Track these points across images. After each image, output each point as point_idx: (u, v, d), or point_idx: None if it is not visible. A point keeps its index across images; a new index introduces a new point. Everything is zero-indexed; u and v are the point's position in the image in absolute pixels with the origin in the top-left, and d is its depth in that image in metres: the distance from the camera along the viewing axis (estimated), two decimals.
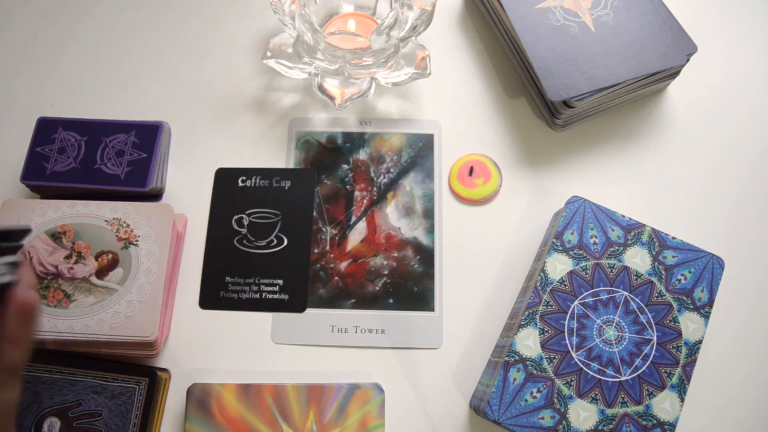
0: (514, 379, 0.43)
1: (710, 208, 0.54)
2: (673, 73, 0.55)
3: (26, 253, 0.47)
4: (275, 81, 0.58)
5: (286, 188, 0.54)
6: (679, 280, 0.46)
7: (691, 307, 0.45)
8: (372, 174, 0.55)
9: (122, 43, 0.60)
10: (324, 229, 0.53)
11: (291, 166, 0.55)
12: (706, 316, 0.45)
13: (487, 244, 0.53)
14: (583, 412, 0.43)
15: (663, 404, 0.43)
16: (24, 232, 0.33)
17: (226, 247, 0.52)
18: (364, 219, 0.53)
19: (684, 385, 0.44)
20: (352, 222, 0.53)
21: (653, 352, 0.44)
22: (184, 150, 0.56)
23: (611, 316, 0.45)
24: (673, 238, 0.47)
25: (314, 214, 0.53)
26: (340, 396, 0.46)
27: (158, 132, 0.52)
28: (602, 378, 0.44)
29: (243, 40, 0.60)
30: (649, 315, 0.45)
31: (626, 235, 0.47)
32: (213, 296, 0.51)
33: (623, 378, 0.44)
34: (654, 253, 0.47)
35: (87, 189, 0.51)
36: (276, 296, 0.51)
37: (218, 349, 0.49)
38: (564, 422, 0.42)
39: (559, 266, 0.46)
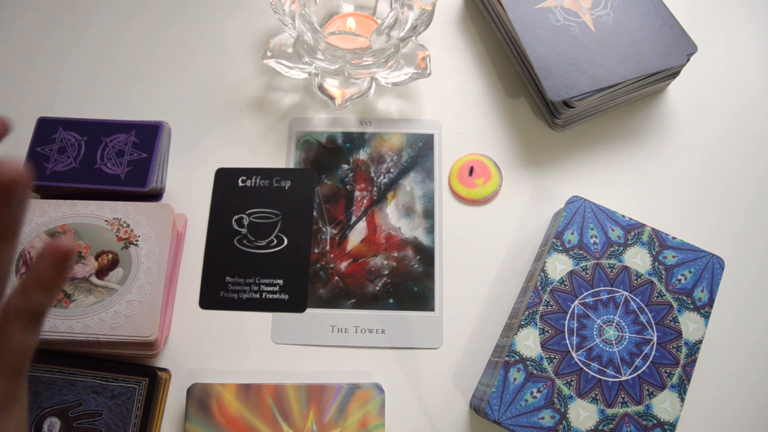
0: (514, 379, 0.43)
1: (710, 208, 0.54)
2: (673, 73, 0.55)
3: (26, 253, 0.47)
4: (275, 81, 0.58)
5: (286, 188, 0.54)
6: (679, 280, 0.46)
7: (691, 307, 0.45)
8: (372, 174, 0.55)
9: (122, 44, 0.60)
10: (324, 229, 0.53)
11: (291, 166, 0.55)
12: (706, 316, 0.45)
13: (487, 244, 0.53)
14: (583, 412, 0.43)
15: (663, 404, 0.43)
16: None
17: (226, 247, 0.52)
18: (364, 219, 0.53)
19: (684, 385, 0.44)
20: (352, 222, 0.53)
21: (653, 352, 0.44)
22: (184, 150, 0.56)
23: (611, 316, 0.45)
24: (673, 238, 0.47)
25: (314, 214, 0.53)
26: (340, 396, 0.46)
27: (158, 132, 0.52)
28: (602, 378, 0.44)
29: (243, 40, 0.60)
30: (649, 315, 0.45)
31: (626, 235, 0.47)
32: (213, 296, 0.51)
33: (623, 378, 0.44)
34: (654, 253, 0.47)
35: (87, 189, 0.51)
36: (276, 296, 0.51)
37: (218, 349, 0.49)
38: (564, 422, 0.42)
39: (559, 266, 0.46)
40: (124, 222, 0.49)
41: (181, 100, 0.57)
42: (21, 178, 0.29)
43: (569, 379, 0.43)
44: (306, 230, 0.53)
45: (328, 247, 0.52)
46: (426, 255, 0.52)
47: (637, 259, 0.46)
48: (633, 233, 0.47)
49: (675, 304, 0.45)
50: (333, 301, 0.51)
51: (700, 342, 0.45)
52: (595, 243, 0.47)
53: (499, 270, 0.52)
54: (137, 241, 0.48)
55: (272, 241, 0.53)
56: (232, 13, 0.61)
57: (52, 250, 0.29)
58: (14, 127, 0.36)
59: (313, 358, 0.49)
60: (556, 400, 0.43)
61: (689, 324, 0.45)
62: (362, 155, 0.55)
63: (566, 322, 0.45)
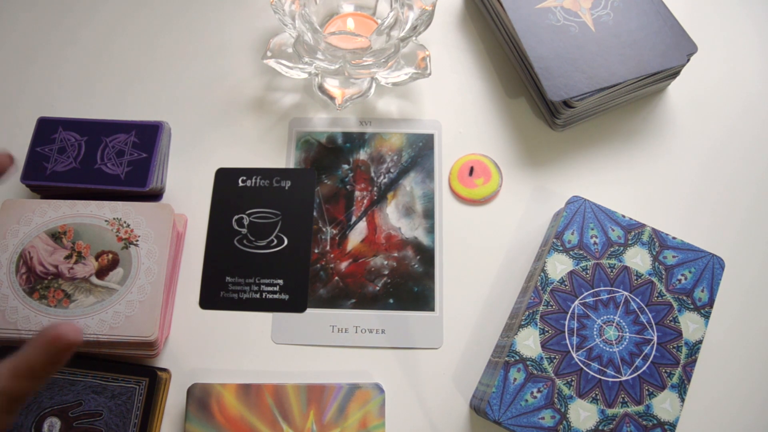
0: (515, 379, 0.43)
1: (710, 208, 0.54)
2: (673, 73, 0.55)
3: (26, 253, 0.47)
4: (275, 81, 0.58)
5: (286, 188, 0.54)
6: (680, 280, 0.46)
7: (692, 307, 0.45)
8: (372, 174, 0.55)
9: (122, 44, 0.60)
10: (324, 229, 0.53)
11: (291, 166, 0.55)
12: (707, 316, 0.45)
13: (487, 244, 0.53)
14: (583, 412, 0.43)
15: (663, 404, 0.43)
16: None
17: (226, 247, 0.52)
18: (364, 219, 0.53)
19: (684, 385, 0.44)
20: (352, 222, 0.53)
21: (653, 352, 0.44)
22: (184, 150, 0.56)
23: (611, 316, 0.45)
24: (674, 238, 0.47)
25: (314, 214, 0.53)
26: (340, 396, 0.46)
27: (158, 132, 0.52)
28: (602, 378, 0.44)
29: (243, 40, 0.60)
30: (650, 315, 0.45)
31: (626, 235, 0.47)
32: (213, 296, 0.51)
33: (623, 378, 0.44)
34: (654, 253, 0.47)
35: (87, 189, 0.51)
36: (276, 296, 0.51)
37: (218, 349, 0.49)
38: (564, 422, 0.42)
39: (559, 266, 0.46)
40: (124, 222, 0.49)
41: (181, 100, 0.57)
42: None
43: (569, 379, 0.43)
44: (306, 230, 0.53)
45: (328, 247, 0.52)
46: (426, 255, 0.52)
47: (637, 259, 0.46)
48: (633, 233, 0.47)
49: (675, 304, 0.45)
50: (333, 301, 0.51)
51: (700, 342, 0.45)
52: (595, 243, 0.47)
53: (499, 270, 0.52)
54: (137, 241, 0.48)
55: (272, 241, 0.53)
56: (232, 13, 0.61)
57: (56, 339, 0.26)
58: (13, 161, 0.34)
59: (313, 358, 0.49)
60: (556, 400, 0.43)
61: (689, 324, 0.45)
62: (362, 155, 0.55)
63: (566, 322, 0.45)
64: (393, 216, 0.53)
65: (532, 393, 0.43)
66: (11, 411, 0.27)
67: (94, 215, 0.49)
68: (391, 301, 0.51)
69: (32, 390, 0.28)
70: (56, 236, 0.48)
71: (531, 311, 0.45)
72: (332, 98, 0.55)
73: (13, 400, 0.27)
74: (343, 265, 0.52)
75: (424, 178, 0.55)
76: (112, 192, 0.51)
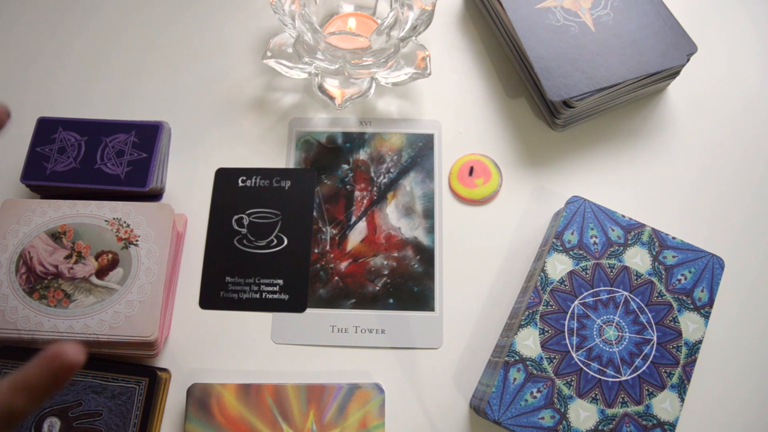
0: (514, 379, 0.43)
1: (710, 208, 0.54)
2: (673, 73, 0.55)
3: (26, 253, 0.47)
4: (275, 81, 0.58)
5: (286, 188, 0.54)
6: (679, 280, 0.46)
7: (691, 307, 0.45)
8: (372, 174, 0.55)
9: (122, 44, 0.60)
10: (324, 229, 0.53)
11: (291, 166, 0.55)
12: (706, 316, 0.45)
13: (487, 244, 0.53)
14: (583, 412, 0.43)
15: (663, 404, 0.43)
16: None
17: (226, 247, 0.52)
18: (364, 219, 0.53)
19: (684, 385, 0.44)
20: (352, 222, 0.53)
21: (653, 352, 0.44)
22: (184, 150, 0.56)
23: (611, 316, 0.45)
24: (673, 238, 0.47)
25: (314, 214, 0.53)
26: (340, 396, 0.46)
27: (158, 132, 0.52)
28: (602, 378, 0.44)
29: (243, 40, 0.60)
30: (649, 315, 0.45)
31: (626, 235, 0.47)
32: (213, 296, 0.51)
33: (623, 378, 0.44)
34: (654, 253, 0.47)
35: (87, 189, 0.51)
36: (276, 296, 0.51)
37: (218, 349, 0.49)
38: (564, 422, 0.42)
39: (559, 266, 0.46)
40: (124, 222, 0.49)
41: (181, 100, 0.57)
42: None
43: (569, 379, 0.43)
44: (306, 230, 0.53)
45: (328, 247, 0.52)
46: (426, 255, 0.52)
47: (637, 259, 0.46)
48: (633, 233, 0.47)
49: (675, 304, 0.45)
50: (333, 301, 0.51)
51: (700, 342, 0.45)
52: (595, 243, 0.47)
53: (499, 270, 0.52)
54: (137, 241, 0.48)
55: (272, 241, 0.53)
56: (232, 13, 0.61)
57: (55, 359, 0.26)
58: (10, 114, 0.34)
59: (313, 358, 0.49)
60: (556, 400, 0.43)
61: (689, 324, 0.45)
62: (362, 155, 0.55)
63: (566, 322, 0.45)
64: (393, 216, 0.53)
65: (531, 393, 0.43)
66: (7, 426, 0.27)
67: (94, 215, 0.49)
68: (391, 301, 0.51)
69: (29, 407, 0.27)
70: (56, 236, 0.48)
71: (531, 311, 0.45)
72: (332, 98, 0.55)
73: (10, 415, 0.27)
74: (343, 265, 0.52)
75: (424, 178, 0.55)
76: (112, 192, 0.51)
